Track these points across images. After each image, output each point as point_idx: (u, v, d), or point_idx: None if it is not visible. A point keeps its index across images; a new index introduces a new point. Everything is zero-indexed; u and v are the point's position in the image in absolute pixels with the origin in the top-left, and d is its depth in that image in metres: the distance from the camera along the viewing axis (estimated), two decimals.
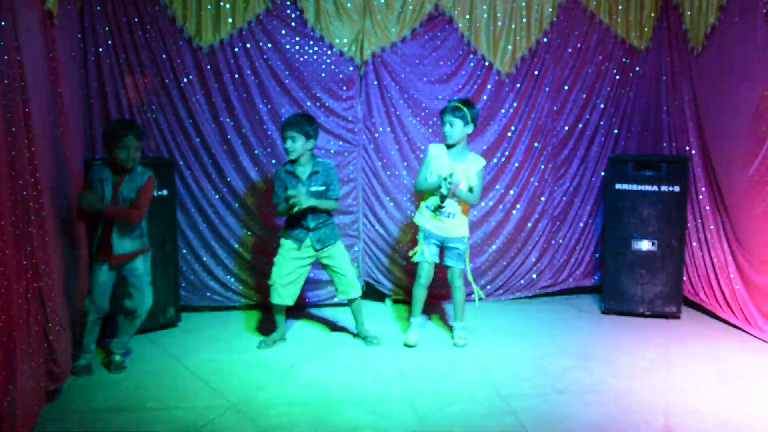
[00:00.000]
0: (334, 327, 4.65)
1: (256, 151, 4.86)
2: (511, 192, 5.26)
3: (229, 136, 4.82)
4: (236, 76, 4.78)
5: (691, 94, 5.03)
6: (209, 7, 4.66)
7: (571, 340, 4.41)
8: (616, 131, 5.39)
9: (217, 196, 4.87)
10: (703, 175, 4.93)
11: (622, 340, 4.43)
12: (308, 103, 4.88)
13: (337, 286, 4.29)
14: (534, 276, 5.39)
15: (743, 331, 4.53)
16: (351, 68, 4.94)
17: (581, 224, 5.45)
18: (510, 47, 5.10)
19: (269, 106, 4.84)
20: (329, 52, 4.89)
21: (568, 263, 5.46)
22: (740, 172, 4.48)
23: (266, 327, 4.55)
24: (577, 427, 3.19)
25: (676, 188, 4.79)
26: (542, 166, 5.29)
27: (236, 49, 4.74)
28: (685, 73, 5.08)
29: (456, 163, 4.16)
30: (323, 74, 4.90)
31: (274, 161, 4.88)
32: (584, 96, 5.30)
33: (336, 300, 4.74)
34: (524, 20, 5.09)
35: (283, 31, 4.82)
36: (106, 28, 4.49)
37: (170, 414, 3.27)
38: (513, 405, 3.39)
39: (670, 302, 4.86)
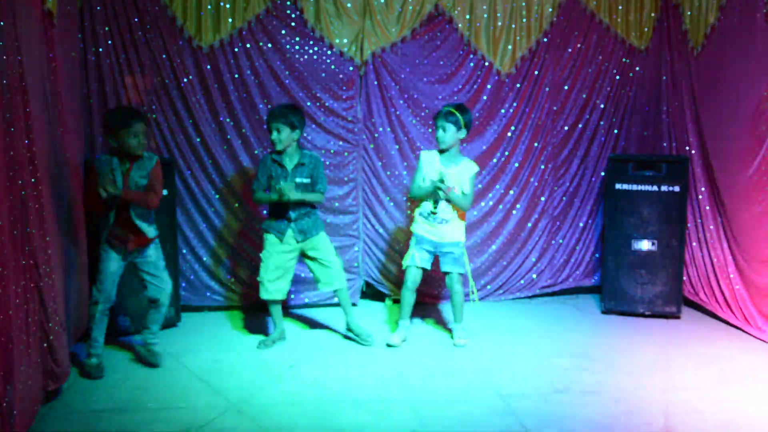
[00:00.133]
0: (333, 327, 4.64)
1: (256, 151, 4.86)
2: (511, 192, 5.26)
3: (229, 136, 4.82)
4: (236, 76, 4.78)
5: (690, 94, 5.03)
6: (209, 7, 4.67)
7: (571, 340, 4.41)
8: (616, 131, 5.38)
9: (217, 196, 4.87)
10: (703, 175, 4.93)
11: (622, 340, 4.43)
12: (308, 103, 4.88)
13: (321, 277, 4.25)
14: (534, 276, 5.39)
15: (743, 331, 4.53)
16: (351, 68, 4.94)
17: (581, 224, 5.44)
18: (510, 47, 5.10)
19: (269, 106, 4.82)
20: (329, 52, 4.89)
21: (568, 263, 5.46)
22: (740, 172, 4.48)
23: (266, 327, 4.55)
24: (577, 427, 3.19)
25: (676, 188, 4.79)
26: (542, 166, 5.30)
27: (236, 49, 4.74)
28: (685, 73, 5.08)
29: (448, 168, 4.16)
30: (323, 74, 4.91)
31: None
32: (584, 96, 5.30)
33: (335, 300, 4.73)
34: (524, 20, 5.10)
35: (283, 31, 4.82)
36: (106, 28, 4.50)
37: (170, 414, 3.27)
38: (513, 405, 3.39)
39: (670, 302, 4.86)
